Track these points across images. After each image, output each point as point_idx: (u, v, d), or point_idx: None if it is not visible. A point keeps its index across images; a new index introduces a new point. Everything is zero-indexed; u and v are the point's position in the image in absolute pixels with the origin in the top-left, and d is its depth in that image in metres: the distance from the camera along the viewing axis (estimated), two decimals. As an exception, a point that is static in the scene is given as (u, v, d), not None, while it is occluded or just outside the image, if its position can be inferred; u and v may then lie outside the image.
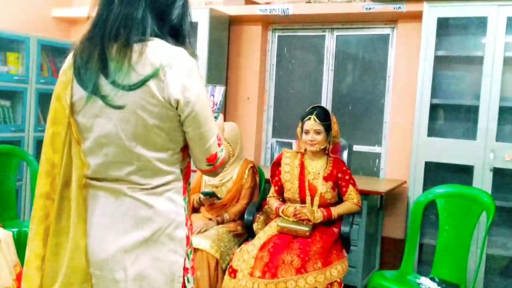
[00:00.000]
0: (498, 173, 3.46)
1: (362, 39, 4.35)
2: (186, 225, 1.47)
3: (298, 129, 3.14)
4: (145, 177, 1.40)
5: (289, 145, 3.68)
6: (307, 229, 2.90)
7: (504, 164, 3.41)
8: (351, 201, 3.04)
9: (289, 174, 3.14)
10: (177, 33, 1.44)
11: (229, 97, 4.66)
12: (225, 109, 4.64)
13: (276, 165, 3.23)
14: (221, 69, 4.50)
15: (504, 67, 3.41)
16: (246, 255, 2.85)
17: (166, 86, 1.33)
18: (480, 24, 3.54)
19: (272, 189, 3.25)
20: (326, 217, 2.97)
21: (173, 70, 1.34)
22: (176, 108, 1.36)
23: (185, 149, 1.46)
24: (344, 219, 3.05)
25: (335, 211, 3.00)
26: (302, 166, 3.13)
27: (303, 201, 3.06)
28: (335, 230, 2.97)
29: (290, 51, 4.63)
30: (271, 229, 3.02)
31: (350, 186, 3.04)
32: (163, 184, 1.41)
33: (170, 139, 1.40)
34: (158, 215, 1.40)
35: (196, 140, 1.42)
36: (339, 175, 3.05)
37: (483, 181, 3.44)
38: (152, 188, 1.40)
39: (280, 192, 3.19)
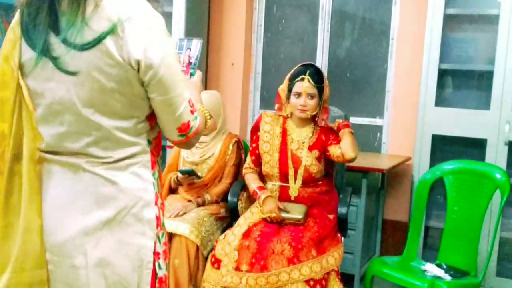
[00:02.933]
0: (514, 147, 3.48)
1: (362, -4, 4.31)
2: (156, 204, 1.46)
3: (283, 87, 3.01)
4: (106, 149, 1.38)
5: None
6: (300, 216, 2.85)
7: (521, 137, 3.43)
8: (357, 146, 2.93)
9: (268, 145, 3.03)
10: None
11: (211, 62, 4.62)
12: (206, 77, 4.61)
13: (255, 130, 3.11)
14: (201, 30, 4.45)
15: (523, 27, 3.41)
16: (228, 247, 2.79)
17: (125, 44, 1.30)
18: (495, -22, 3.53)
19: (249, 159, 3.13)
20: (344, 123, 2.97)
21: (133, 25, 1.31)
22: (138, 70, 1.33)
23: (152, 117, 1.44)
24: (341, 200, 3.01)
25: (344, 133, 2.92)
26: (284, 133, 3.02)
27: (284, 176, 2.98)
28: (331, 217, 2.94)
29: (280, 10, 4.58)
30: (253, 215, 2.97)
31: (347, 130, 2.96)
32: (127, 157, 1.40)
33: (133, 105, 1.38)
34: (123, 193, 1.39)
35: (163, 107, 1.40)
36: (327, 139, 2.96)
37: (497, 156, 3.46)
38: (114, 162, 1.38)
39: (258, 163, 3.09)
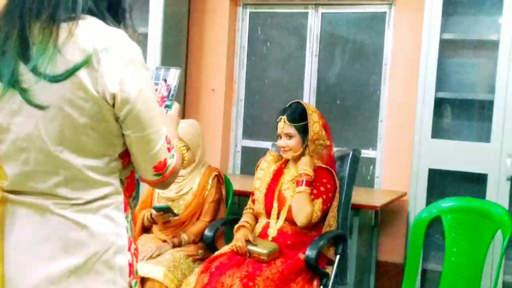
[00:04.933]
0: (516, 182, 3.54)
1: (352, 18, 4.39)
2: (129, 249, 1.47)
3: None
4: (76, 189, 1.39)
5: (264, 150, 3.68)
6: (264, 251, 2.92)
7: (524, 172, 3.49)
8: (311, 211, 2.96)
9: (259, 182, 3.21)
10: (116, 8, 1.44)
11: (190, 88, 4.66)
12: (184, 104, 4.64)
13: (256, 169, 3.32)
14: (179, 53, 4.50)
15: (524, 53, 3.49)
16: (193, 277, 2.89)
17: (100, 77, 1.32)
18: (494, 1, 3.62)
19: (250, 200, 3.30)
20: (301, 178, 2.98)
21: (109, 56, 1.33)
22: (113, 105, 1.35)
23: (126, 155, 1.45)
24: (315, 241, 2.94)
25: (305, 190, 2.95)
26: (278, 173, 3.18)
27: (268, 214, 3.10)
28: (302, 256, 2.93)
29: (265, 32, 4.65)
30: (227, 247, 3.07)
31: (319, 201, 3.00)
32: (99, 199, 1.41)
33: (106, 142, 1.40)
34: (93, 237, 1.40)
35: (139, 145, 1.42)
36: (314, 183, 3.04)
37: (498, 193, 3.50)
38: (85, 204, 1.39)
39: None
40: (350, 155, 3.30)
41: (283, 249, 2.99)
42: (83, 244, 1.39)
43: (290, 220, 3.02)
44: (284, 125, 3.07)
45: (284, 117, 3.08)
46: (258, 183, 3.20)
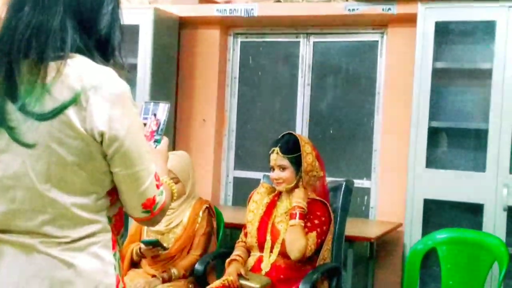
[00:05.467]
0: (513, 213, 3.57)
1: (345, 47, 4.46)
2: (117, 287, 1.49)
3: None
4: (63, 228, 1.40)
5: (256, 181, 3.71)
6: (256, 286, 2.93)
7: (520, 202, 3.52)
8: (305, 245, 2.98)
9: (252, 214, 3.22)
10: (105, 46, 1.47)
11: (180, 118, 4.69)
12: (175, 134, 4.66)
13: (248, 201, 3.33)
14: (169, 84, 4.54)
15: (518, 82, 3.55)
16: None
17: (88, 115, 1.35)
18: (487, 29, 3.69)
19: (242, 233, 3.31)
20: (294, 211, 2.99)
21: (98, 95, 1.36)
22: (101, 143, 1.38)
23: (114, 192, 1.48)
24: (308, 275, 2.96)
25: (298, 223, 2.97)
26: (271, 205, 3.20)
27: (261, 247, 3.11)
28: None
29: (256, 61, 4.70)
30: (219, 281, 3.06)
31: (313, 234, 3.02)
32: (86, 237, 1.42)
33: (94, 180, 1.42)
34: (80, 277, 1.41)
35: (128, 182, 1.44)
36: (308, 215, 3.06)
37: (495, 224, 3.52)
38: (72, 242, 1.41)
39: None
40: (343, 186, 3.34)
41: (276, 284, 2.99)
42: (70, 283, 1.40)
43: (283, 254, 3.03)
44: (277, 157, 3.10)
45: (277, 149, 3.11)
46: (251, 216, 3.22)
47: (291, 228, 2.98)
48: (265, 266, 3.06)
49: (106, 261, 1.45)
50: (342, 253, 3.33)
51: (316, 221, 3.06)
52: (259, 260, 3.10)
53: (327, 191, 3.25)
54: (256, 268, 3.09)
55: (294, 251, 2.96)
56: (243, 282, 2.97)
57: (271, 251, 3.07)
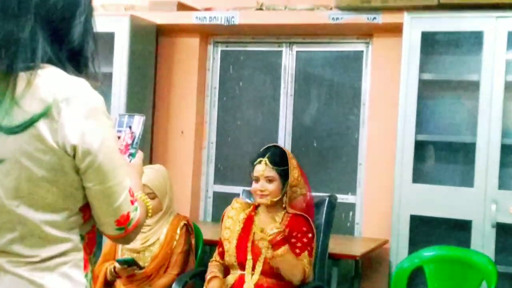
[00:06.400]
0: (502, 229, 3.59)
1: (329, 57, 4.50)
2: (89, 309, 1.49)
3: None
4: (32, 246, 1.40)
5: (237, 195, 3.71)
6: None
7: (509, 219, 3.54)
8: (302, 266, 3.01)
9: (229, 231, 3.20)
10: (78, 57, 1.47)
11: (157, 130, 4.68)
12: (151, 147, 4.66)
13: (222, 218, 3.31)
14: (146, 94, 4.54)
15: (506, 94, 3.60)
16: None
17: (60, 128, 1.35)
18: (474, 40, 3.74)
19: (216, 252, 3.29)
20: (273, 249, 2.98)
21: (71, 107, 1.36)
22: (74, 157, 1.38)
23: (86, 209, 1.48)
24: None
25: (282, 255, 2.97)
26: (248, 221, 3.18)
27: (242, 267, 3.09)
28: None
29: (237, 71, 4.73)
30: None
31: (306, 253, 3.05)
32: (57, 256, 1.42)
33: (65, 195, 1.42)
34: (49, 298, 1.41)
35: (101, 198, 1.44)
36: (295, 233, 3.07)
37: (484, 240, 3.55)
38: (41, 261, 1.40)
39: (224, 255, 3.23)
40: (326, 201, 3.35)
41: None
42: (38, 304, 1.40)
43: (266, 272, 3.03)
44: (265, 168, 3.09)
45: (266, 160, 3.10)
46: (227, 233, 3.19)
47: (280, 260, 2.97)
48: (248, 286, 3.04)
49: (76, 282, 1.45)
50: (325, 271, 3.34)
51: (305, 239, 3.07)
52: (241, 279, 3.08)
53: (311, 206, 3.26)
54: (238, 287, 3.08)
55: (296, 278, 2.98)
56: None
57: (253, 270, 3.06)
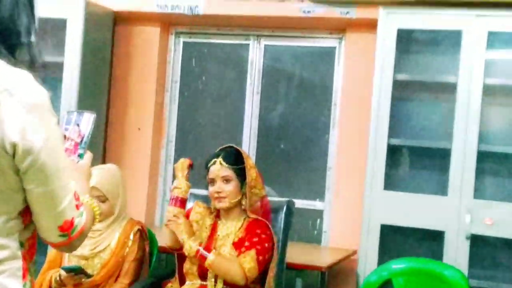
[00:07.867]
0: (476, 241, 3.64)
1: (299, 52, 4.52)
2: (27, 323, 1.47)
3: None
4: (-35, 254, 1.39)
5: (201, 198, 3.69)
6: None
7: (485, 230, 3.60)
8: (241, 265, 3.00)
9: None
10: (7, 35, 1.42)
11: (112, 127, 4.65)
12: (105, 145, 4.62)
13: None
14: (100, 86, 4.50)
15: (484, 98, 3.65)
16: None
17: None
18: (452, 40, 3.79)
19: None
20: (199, 254, 2.99)
21: (11, 100, 1.34)
22: (13, 156, 1.37)
23: (27, 212, 1.46)
24: None
25: (214, 258, 2.98)
26: (214, 226, 3.18)
27: (203, 276, 3.07)
28: None
29: (200, 64, 4.72)
30: None
31: (252, 251, 3.02)
32: (-8, 264, 1.41)
33: (4, 199, 1.40)
34: (-16, 311, 1.40)
35: (43, 201, 1.43)
36: (248, 236, 3.08)
37: (457, 253, 3.60)
38: (-25, 271, 1.39)
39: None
40: (284, 207, 3.37)
41: None
42: (-29, 318, 1.38)
43: (229, 283, 3.03)
44: (220, 168, 3.09)
45: (220, 159, 3.11)
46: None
47: (213, 266, 2.98)
48: None
49: (14, 292, 1.44)
50: (283, 282, 3.35)
51: (255, 239, 3.06)
52: None
53: (268, 211, 3.25)
54: None
55: (236, 280, 2.97)
56: None
57: (215, 281, 3.04)
